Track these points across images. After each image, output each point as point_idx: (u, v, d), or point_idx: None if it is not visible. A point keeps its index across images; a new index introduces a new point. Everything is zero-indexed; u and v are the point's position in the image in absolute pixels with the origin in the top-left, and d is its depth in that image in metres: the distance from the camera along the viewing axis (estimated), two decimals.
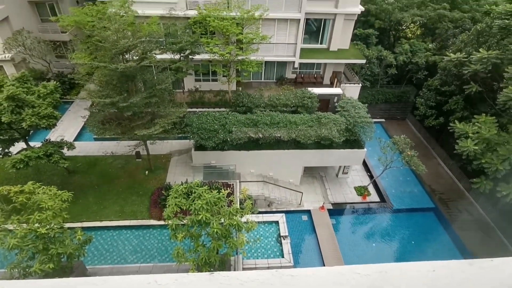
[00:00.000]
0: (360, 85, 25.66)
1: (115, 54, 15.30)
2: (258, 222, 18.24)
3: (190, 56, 21.01)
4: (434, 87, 26.50)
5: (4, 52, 23.97)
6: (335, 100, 23.08)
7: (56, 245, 10.99)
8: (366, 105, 21.77)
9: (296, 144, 20.19)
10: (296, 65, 24.55)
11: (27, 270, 11.11)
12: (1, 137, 16.54)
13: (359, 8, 23.85)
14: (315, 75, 26.62)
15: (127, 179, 20.20)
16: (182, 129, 19.65)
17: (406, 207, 22.93)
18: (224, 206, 11.46)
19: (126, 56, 16.04)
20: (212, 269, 11.45)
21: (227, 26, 19.09)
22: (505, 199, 17.81)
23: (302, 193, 21.28)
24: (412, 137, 25.66)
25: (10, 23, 24.77)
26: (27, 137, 17.59)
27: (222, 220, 11.39)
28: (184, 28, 20.70)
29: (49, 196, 11.43)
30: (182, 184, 12.20)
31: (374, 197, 23.21)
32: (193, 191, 11.30)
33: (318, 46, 25.60)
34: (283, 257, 17.45)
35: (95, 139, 23.32)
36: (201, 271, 10.42)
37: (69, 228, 12.38)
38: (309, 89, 22.32)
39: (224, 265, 12.73)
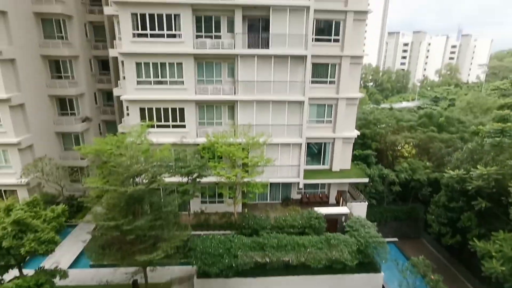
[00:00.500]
0: (367, 203, 25.60)
1: (127, 178, 15.97)
2: None
3: (198, 179, 21.72)
4: (442, 203, 26.21)
5: (21, 177, 24.31)
6: (343, 219, 22.62)
7: None
8: (375, 223, 21.19)
9: (305, 269, 18.72)
10: (301, 186, 25.13)
11: None
12: None
13: (355, 133, 26.15)
14: (320, 195, 26.91)
15: None
16: (185, 253, 18.71)
17: None
18: None
19: (137, 180, 16.70)
20: None
21: (234, 151, 20.55)
22: None
23: None
24: (432, 258, 23.82)
25: (33, 150, 26.09)
26: (22, 264, 16.66)
27: None
28: (193, 153, 22.13)
29: None
30: None
31: None
32: None
33: (320, 167, 26.81)
34: None
35: (91, 266, 21.91)
36: None
37: None
38: (316, 209, 22.25)
39: None
